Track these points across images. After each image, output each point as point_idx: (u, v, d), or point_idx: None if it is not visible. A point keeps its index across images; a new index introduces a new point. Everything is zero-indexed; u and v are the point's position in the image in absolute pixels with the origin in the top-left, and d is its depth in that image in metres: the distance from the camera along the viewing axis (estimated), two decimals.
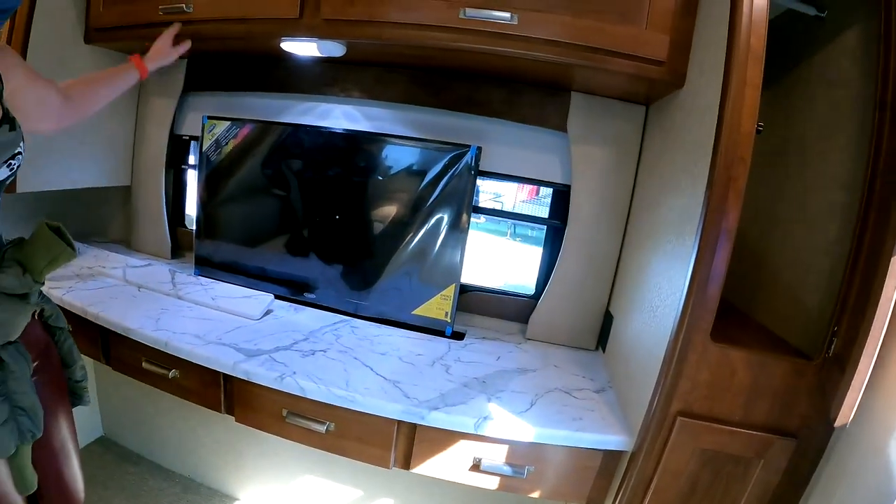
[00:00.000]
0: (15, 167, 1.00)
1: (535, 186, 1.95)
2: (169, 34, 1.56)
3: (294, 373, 1.34)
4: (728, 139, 1.02)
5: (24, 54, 1.67)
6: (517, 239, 8.36)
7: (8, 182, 1.01)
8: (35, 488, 1.07)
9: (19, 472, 1.03)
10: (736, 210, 1.02)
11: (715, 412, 1.12)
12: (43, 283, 1.06)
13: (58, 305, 1.19)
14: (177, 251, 2.29)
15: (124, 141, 2.25)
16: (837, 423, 1.02)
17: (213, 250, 2.03)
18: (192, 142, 2.27)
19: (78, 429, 2.10)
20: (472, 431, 1.24)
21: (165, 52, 1.55)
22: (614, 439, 1.23)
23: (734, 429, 1.11)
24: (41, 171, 1.91)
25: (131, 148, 2.29)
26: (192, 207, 2.29)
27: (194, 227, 2.04)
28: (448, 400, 1.31)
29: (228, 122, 1.92)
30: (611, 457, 1.27)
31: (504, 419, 1.25)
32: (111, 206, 2.44)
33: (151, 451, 2.38)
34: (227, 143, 1.92)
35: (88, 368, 2.21)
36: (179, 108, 2.18)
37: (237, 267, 1.99)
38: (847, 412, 1.00)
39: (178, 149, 2.29)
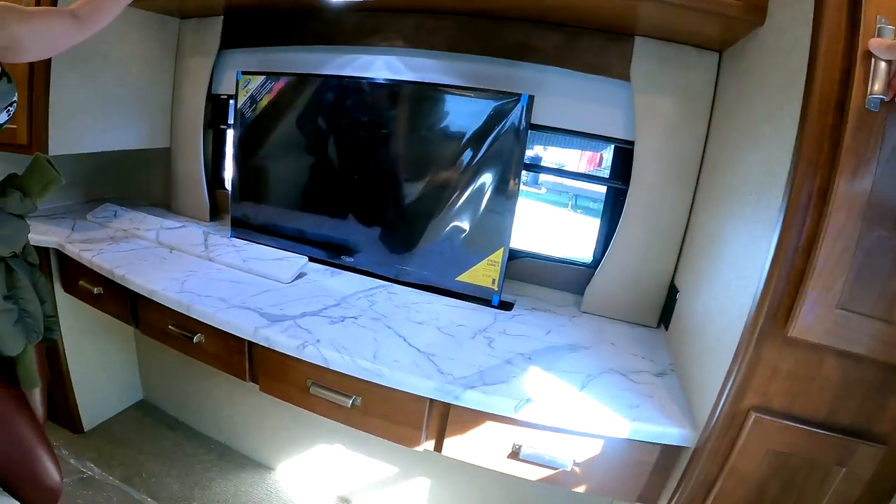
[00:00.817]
0: (12, 112, 1.13)
1: (598, 154, 1.78)
2: None
3: (318, 341, 1.23)
4: (823, 76, 0.83)
5: None
6: (578, 211, 8.04)
7: (4, 126, 1.13)
8: (39, 385, 1.24)
9: (26, 371, 1.20)
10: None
11: (795, 409, 0.93)
12: (37, 208, 1.24)
13: (33, 246, 1.32)
14: (216, 214, 2.24)
15: (162, 102, 2.20)
16: None
17: (248, 212, 1.95)
18: (231, 100, 2.18)
19: (118, 391, 2.09)
20: (511, 415, 1.10)
21: None
22: (676, 433, 1.05)
23: (815, 430, 0.92)
24: (77, 134, 1.87)
25: (170, 109, 2.24)
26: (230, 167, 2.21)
27: (230, 188, 1.96)
28: (487, 378, 1.17)
29: (263, 77, 1.81)
30: (669, 452, 1.10)
31: (549, 403, 1.10)
32: (153, 170, 2.41)
33: (189, 416, 2.36)
34: (261, 99, 1.82)
35: (127, 329, 2.24)
36: (216, 67, 2.11)
37: (274, 229, 1.91)
38: None
39: (217, 109, 2.22)
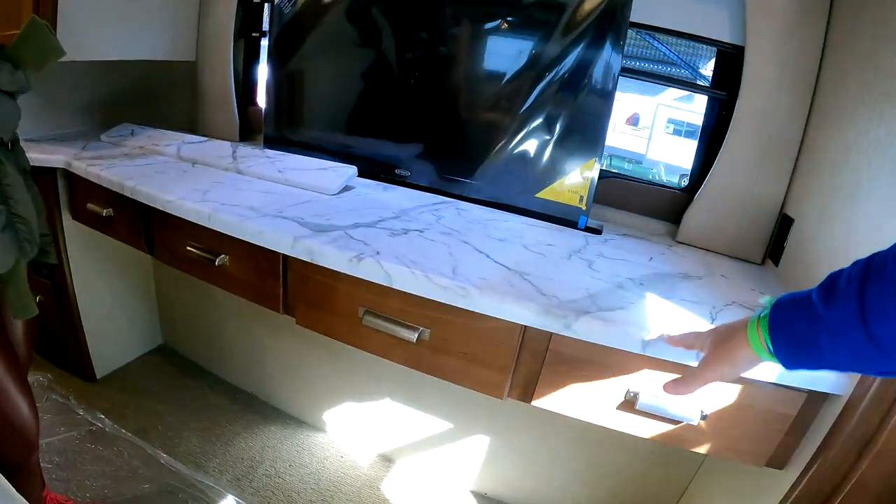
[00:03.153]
0: None
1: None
2: None
3: (378, 253, 0.95)
4: None
5: None
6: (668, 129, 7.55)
7: None
8: (36, 313, 1.04)
9: (17, 293, 1.00)
10: None
11: None
12: (31, 86, 1.01)
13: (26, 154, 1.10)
14: (248, 134, 1.98)
15: (187, 9, 1.92)
16: None
17: (285, 126, 1.69)
18: (266, 4, 1.91)
19: (135, 335, 1.83)
20: (637, 351, 0.83)
21: None
22: (828, 377, 0.83)
23: None
24: (92, 39, 1.62)
25: (196, 18, 1.96)
26: (264, 81, 1.95)
27: (265, 102, 1.70)
28: (601, 303, 0.89)
29: None
30: (814, 402, 0.88)
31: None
32: (177, 91, 2.14)
33: (213, 363, 2.14)
34: None
35: (145, 264, 2.00)
36: None
37: (316, 142, 1.65)
38: None
39: (249, 15, 1.94)
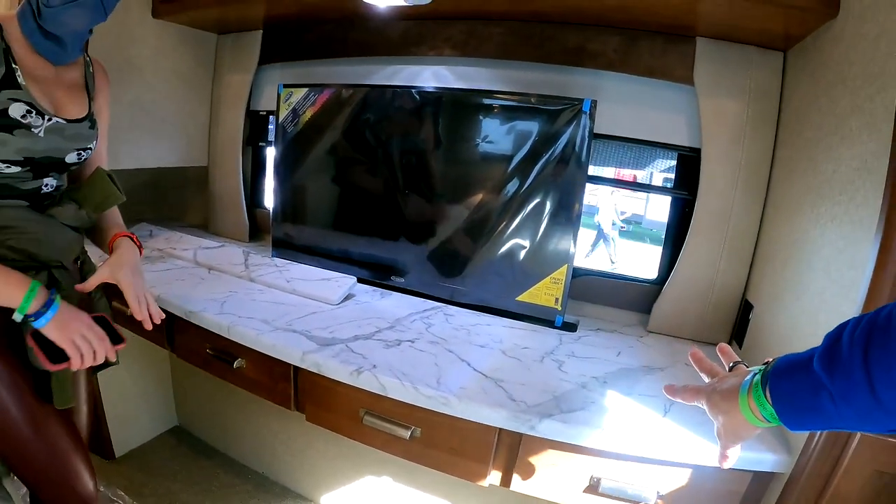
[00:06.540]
0: (84, 157, 1.15)
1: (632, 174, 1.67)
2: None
3: (374, 366, 1.12)
4: None
5: None
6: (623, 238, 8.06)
7: (73, 168, 1.15)
8: (72, 405, 1.11)
9: (59, 386, 1.07)
10: None
11: None
12: (93, 222, 1.18)
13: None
14: (256, 234, 2.17)
15: (200, 119, 2.16)
16: None
17: (291, 231, 1.88)
18: (270, 116, 2.13)
19: (152, 416, 1.96)
20: (592, 446, 0.99)
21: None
22: (769, 458, 0.95)
23: None
24: (111, 148, 1.81)
25: (207, 126, 2.19)
26: (270, 186, 2.15)
27: (271, 207, 1.89)
28: (563, 405, 1.05)
29: (306, 90, 1.75)
30: (761, 479, 1.00)
31: (632, 431, 0.99)
32: (190, 191, 2.34)
33: (226, 444, 2.25)
34: (304, 112, 1.75)
35: (162, 351, 2.15)
36: (256, 83, 2.07)
37: (318, 249, 1.82)
38: None
39: (256, 125, 2.17)
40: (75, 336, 1.00)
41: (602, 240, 8.29)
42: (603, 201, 8.19)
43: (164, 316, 1.16)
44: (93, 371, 1.24)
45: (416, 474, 1.80)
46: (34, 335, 0.98)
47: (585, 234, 7.81)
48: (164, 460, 2.15)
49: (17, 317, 0.96)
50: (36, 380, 1.07)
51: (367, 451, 1.82)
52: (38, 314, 0.96)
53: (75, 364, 1.01)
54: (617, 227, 8.40)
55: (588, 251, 8.08)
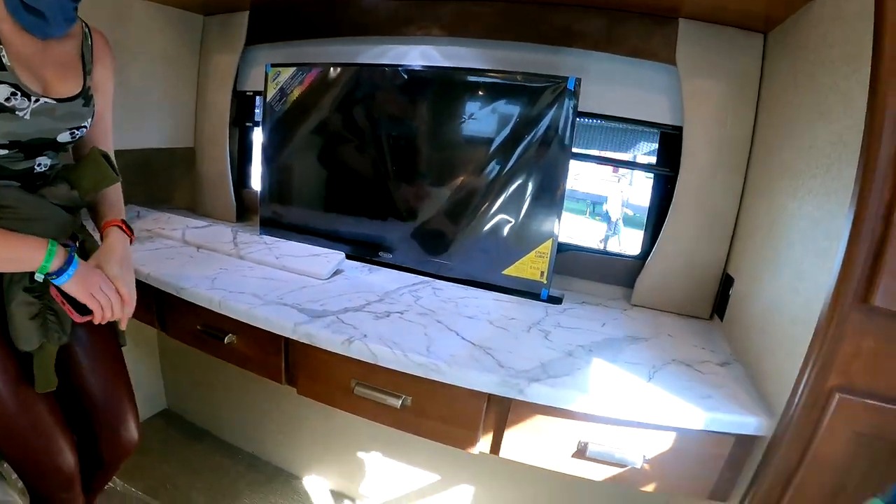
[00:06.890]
0: (77, 135, 1.14)
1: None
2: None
3: (365, 336, 1.14)
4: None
5: None
6: (596, 218, 8.03)
7: (68, 146, 1.15)
8: (54, 388, 1.12)
9: (41, 370, 1.09)
10: None
11: (878, 387, 0.88)
12: (85, 203, 1.17)
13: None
14: (243, 214, 2.16)
15: (186, 100, 2.15)
16: None
17: (279, 210, 1.88)
18: (258, 97, 2.12)
19: (141, 401, 1.98)
20: (579, 410, 1.01)
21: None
22: (752, 421, 0.99)
23: None
24: None
25: (194, 108, 2.18)
26: (257, 167, 2.15)
27: (259, 187, 1.89)
28: (550, 370, 1.07)
29: (294, 69, 1.74)
30: (743, 443, 1.03)
31: (618, 395, 1.02)
32: (177, 173, 2.33)
33: (216, 426, 2.27)
34: (292, 91, 1.75)
35: (150, 333, 2.15)
36: (242, 63, 2.06)
37: (306, 227, 1.83)
38: None
39: (242, 106, 2.16)
40: (94, 290, 1.05)
41: (612, 229, 8.33)
42: (611, 190, 8.23)
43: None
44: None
45: (405, 450, 1.84)
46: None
47: (597, 226, 7.84)
48: (155, 443, 2.16)
49: (39, 277, 1.00)
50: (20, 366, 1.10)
51: (358, 428, 1.87)
52: (59, 271, 1.01)
53: (97, 317, 1.07)
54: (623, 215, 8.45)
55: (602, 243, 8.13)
